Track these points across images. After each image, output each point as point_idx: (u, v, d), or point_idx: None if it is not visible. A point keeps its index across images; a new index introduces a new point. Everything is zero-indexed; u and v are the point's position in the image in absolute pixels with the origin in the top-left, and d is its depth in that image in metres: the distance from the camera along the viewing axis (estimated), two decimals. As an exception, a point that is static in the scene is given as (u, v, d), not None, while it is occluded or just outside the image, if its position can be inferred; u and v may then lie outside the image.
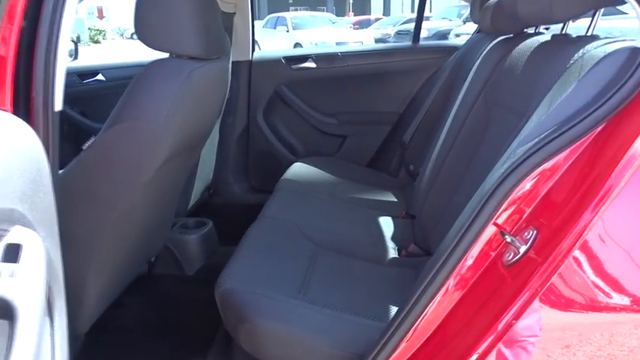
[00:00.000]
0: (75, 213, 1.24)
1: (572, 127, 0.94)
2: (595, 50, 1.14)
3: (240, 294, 1.29)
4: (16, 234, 0.67)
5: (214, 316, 1.36)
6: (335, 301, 1.36)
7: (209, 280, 1.39)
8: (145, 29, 1.23)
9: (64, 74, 0.99)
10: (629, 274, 0.94)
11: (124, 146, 1.21)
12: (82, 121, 2.41)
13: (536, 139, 0.97)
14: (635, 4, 1.00)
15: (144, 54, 1.30)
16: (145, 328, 1.79)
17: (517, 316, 0.95)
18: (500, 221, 0.99)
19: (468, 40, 2.52)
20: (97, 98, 2.41)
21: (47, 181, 0.80)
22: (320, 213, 1.93)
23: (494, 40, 1.88)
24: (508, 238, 0.95)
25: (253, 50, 2.65)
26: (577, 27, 1.41)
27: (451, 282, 1.04)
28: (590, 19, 1.30)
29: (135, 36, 1.30)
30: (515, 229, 0.98)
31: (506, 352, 0.98)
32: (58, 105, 0.99)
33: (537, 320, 0.95)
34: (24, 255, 0.65)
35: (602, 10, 1.28)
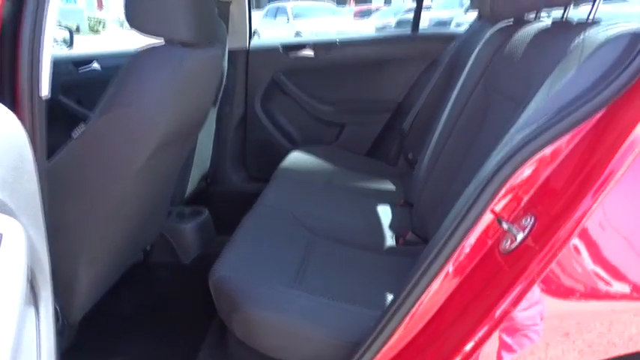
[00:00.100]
0: (66, 201, 1.23)
1: (572, 113, 0.92)
2: (596, 35, 1.12)
3: (233, 282, 1.28)
4: (-5, 222, 0.65)
5: (210, 304, 1.35)
6: (330, 289, 1.35)
7: (205, 268, 1.38)
8: (135, 13, 1.20)
9: (50, 61, 0.96)
10: (629, 262, 0.93)
11: (114, 134, 1.19)
12: (78, 110, 2.39)
13: (535, 126, 0.94)
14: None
15: (142, 43, 1.27)
16: (141, 317, 1.78)
17: (514, 305, 0.93)
18: (497, 209, 0.97)
19: (467, 28, 2.48)
20: (93, 86, 2.38)
21: (31, 168, 0.77)
22: (317, 201, 1.91)
23: (494, 27, 1.85)
24: (505, 226, 0.93)
25: (251, 38, 2.62)
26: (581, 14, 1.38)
27: (447, 270, 1.03)
28: (592, 3, 1.27)
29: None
30: (512, 216, 0.96)
31: (503, 339, 0.97)
32: (45, 91, 0.97)
33: (536, 308, 0.94)
34: (3, 243, 0.63)
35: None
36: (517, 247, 0.92)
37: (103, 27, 21.13)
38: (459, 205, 1.05)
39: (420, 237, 1.74)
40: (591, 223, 0.90)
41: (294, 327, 1.20)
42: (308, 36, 10.28)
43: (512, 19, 1.70)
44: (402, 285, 1.10)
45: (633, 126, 0.87)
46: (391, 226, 1.83)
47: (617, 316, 0.95)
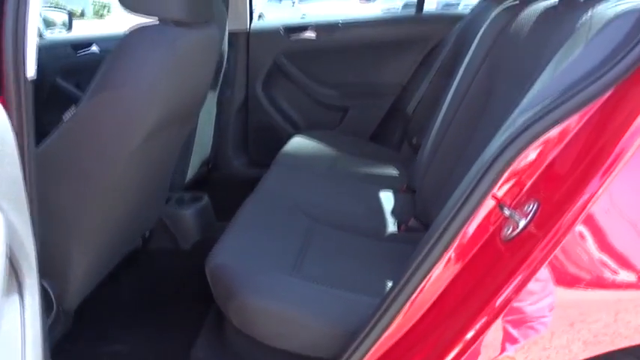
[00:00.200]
0: (57, 186, 1.20)
1: (578, 93, 0.87)
2: (604, 11, 1.07)
3: (230, 269, 1.25)
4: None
5: (209, 291, 1.32)
6: (329, 277, 1.32)
7: (205, 254, 1.35)
8: None
9: (35, 41, 0.93)
10: (636, 249, 0.89)
11: (105, 117, 1.16)
12: (77, 93, 2.36)
13: (539, 107, 0.90)
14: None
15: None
16: (139, 303, 1.77)
17: (516, 293, 0.90)
18: (499, 194, 0.93)
19: (473, 9, 2.42)
20: (92, 70, 2.35)
21: (12, 152, 0.75)
22: (318, 187, 1.88)
23: (499, 6, 1.79)
24: (507, 212, 0.90)
25: (251, 20, 2.57)
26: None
27: (447, 257, 1.00)
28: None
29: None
30: (514, 202, 0.92)
31: (507, 329, 0.94)
32: (30, 72, 0.93)
33: (543, 299, 0.91)
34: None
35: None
36: (519, 234, 0.88)
37: (108, 11, 21.00)
38: (460, 190, 1.01)
39: (423, 223, 1.71)
40: (597, 209, 0.86)
41: (291, 315, 1.17)
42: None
43: (518, -2, 1.65)
44: (401, 272, 1.06)
45: (643, 107, 0.82)
46: (393, 213, 1.79)
47: (624, 305, 0.91)
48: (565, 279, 0.90)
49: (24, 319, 0.77)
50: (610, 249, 0.89)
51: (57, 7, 3.25)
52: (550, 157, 0.91)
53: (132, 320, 1.70)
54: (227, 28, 2.21)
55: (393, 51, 2.58)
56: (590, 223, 0.88)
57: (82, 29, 2.78)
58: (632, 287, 0.90)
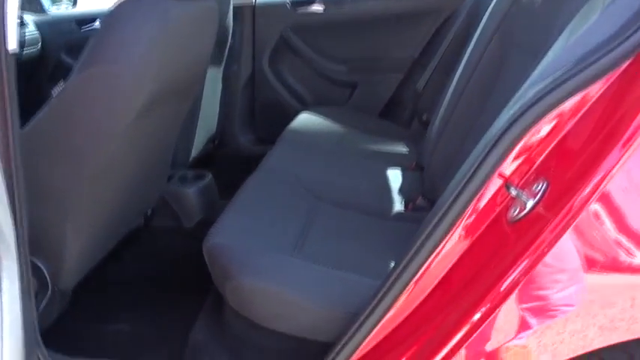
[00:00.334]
0: (48, 163, 1.17)
1: (594, 64, 0.80)
2: None
3: (227, 249, 1.21)
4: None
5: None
6: (331, 257, 1.28)
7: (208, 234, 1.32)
8: None
9: (16, 14, 0.88)
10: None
11: (95, 92, 1.12)
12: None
13: (550, 79, 0.83)
14: None
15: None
16: (141, 282, 1.75)
17: (523, 277, 0.84)
18: (506, 172, 0.87)
19: (488, -22, 2.32)
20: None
21: None
22: (323, 165, 1.83)
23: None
24: (513, 192, 0.84)
25: (257, -8, 2.50)
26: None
27: (451, 237, 0.94)
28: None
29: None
30: (522, 181, 0.87)
31: (516, 313, 0.89)
32: (12, 45, 0.89)
33: (554, 281, 0.85)
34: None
35: None
36: (526, 215, 0.83)
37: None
38: (465, 167, 0.95)
39: (431, 202, 1.65)
40: (613, 187, 0.81)
41: (289, 296, 1.14)
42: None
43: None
44: (404, 252, 1.02)
45: (665, 77, 0.76)
46: (401, 191, 1.74)
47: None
48: (578, 262, 0.85)
49: (1, 302, 0.73)
50: (627, 230, 0.85)
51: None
52: (562, 133, 0.85)
53: (134, 299, 1.68)
54: (231, 2, 2.15)
55: (403, 24, 2.49)
56: (606, 202, 0.82)
57: (87, 5, 2.73)
58: (650, 271, 0.84)
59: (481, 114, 1.45)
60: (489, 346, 0.94)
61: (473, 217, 0.92)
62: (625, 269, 0.87)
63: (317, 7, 2.51)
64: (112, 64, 1.11)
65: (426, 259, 0.96)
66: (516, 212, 0.85)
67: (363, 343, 1.04)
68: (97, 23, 2.56)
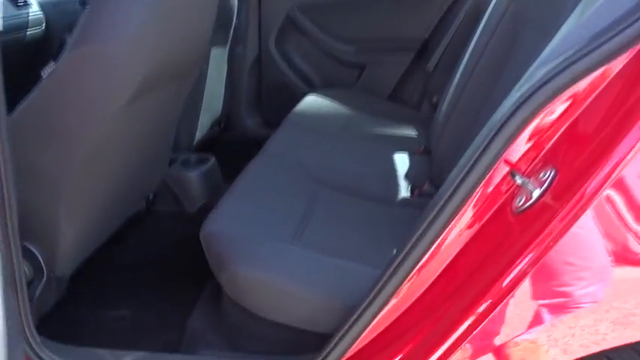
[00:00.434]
0: (40, 147, 1.14)
1: (609, 41, 0.74)
2: None
3: (223, 237, 1.18)
4: None
5: None
6: (332, 245, 1.24)
7: None
8: None
9: None
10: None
11: (86, 73, 1.08)
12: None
13: (561, 58, 0.77)
14: None
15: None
16: (143, 268, 1.73)
17: (530, 268, 0.79)
18: (512, 159, 0.82)
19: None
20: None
21: None
22: (328, 149, 1.77)
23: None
24: (519, 180, 0.78)
25: (262, -30, 2.43)
26: None
27: (453, 227, 0.89)
28: None
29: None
30: (529, 168, 0.81)
31: (524, 308, 0.84)
32: None
33: (564, 275, 0.81)
34: None
35: None
36: (532, 205, 0.77)
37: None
38: (470, 152, 0.90)
39: (438, 187, 1.59)
40: (628, 174, 0.75)
41: (286, 287, 1.10)
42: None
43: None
44: (404, 241, 0.97)
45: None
46: (407, 176, 1.68)
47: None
48: (589, 254, 0.79)
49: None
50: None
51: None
52: (573, 117, 0.79)
53: (134, 285, 1.66)
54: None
55: (413, 2, 2.41)
56: (619, 190, 0.76)
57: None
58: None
59: (491, 95, 1.39)
60: (497, 340, 0.90)
61: (476, 205, 0.87)
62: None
63: (325, -15, 2.44)
64: (103, 43, 1.06)
65: (428, 248, 0.91)
66: (521, 202, 0.79)
67: (362, 335, 1.00)
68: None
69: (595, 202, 0.73)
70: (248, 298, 1.13)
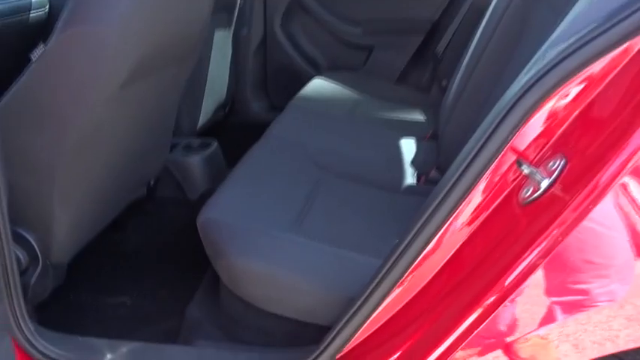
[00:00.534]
0: (32, 133, 1.10)
1: (627, 19, 0.68)
2: None
3: (220, 226, 1.14)
4: None
5: None
6: (334, 234, 1.19)
7: None
8: None
9: None
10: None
11: (75, 55, 1.04)
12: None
13: (573, 38, 0.72)
14: None
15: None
16: (144, 254, 1.71)
17: (541, 260, 0.75)
18: (519, 146, 0.77)
19: None
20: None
21: None
22: (333, 134, 1.73)
23: None
24: (526, 170, 0.73)
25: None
26: None
27: (456, 217, 0.85)
28: None
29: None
30: (537, 157, 0.76)
31: (534, 304, 0.80)
32: None
33: (576, 270, 0.76)
34: None
35: None
36: (539, 197, 0.72)
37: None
38: (475, 138, 0.85)
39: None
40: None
41: (283, 277, 1.06)
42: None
43: None
44: (406, 231, 0.92)
45: None
46: (413, 163, 1.63)
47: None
48: (603, 250, 0.74)
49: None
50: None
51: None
52: (585, 101, 0.73)
53: (136, 271, 1.64)
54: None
55: None
56: (636, 181, 0.71)
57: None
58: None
59: (500, 78, 1.33)
60: (503, 337, 0.86)
61: (481, 195, 0.82)
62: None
63: (331, -35, 2.37)
64: (92, 25, 1.02)
65: (431, 238, 0.87)
66: (529, 193, 0.74)
67: (362, 328, 0.97)
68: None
69: (609, 194, 0.68)
70: (245, 289, 1.10)
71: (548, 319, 0.78)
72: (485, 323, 0.84)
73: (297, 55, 2.48)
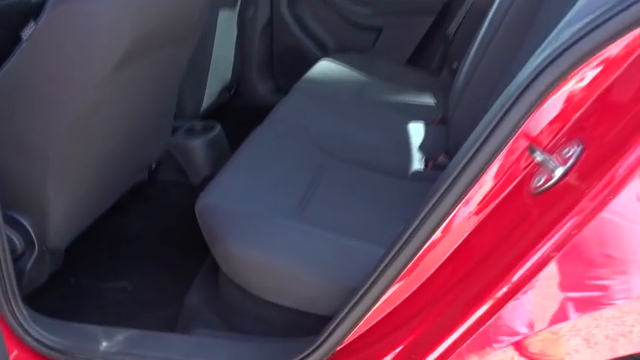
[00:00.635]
0: (23, 116, 1.07)
1: None
2: None
3: (218, 211, 1.11)
4: None
5: None
6: (336, 222, 1.16)
7: None
8: None
9: None
10: None
11: (64, 36, 1.00)
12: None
13: (589, 18, 0.66)
14: None
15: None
16: (145, 238, 1.68)
17: (556, 252, 0.70)
18: (531, 132, 0.72)
19: None
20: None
21: None
22: (338, 117, 1.68)
23: None
24: (539, 157, 0.69)
25: None
26: None
27: (464, 205, 0.81)
28: None
29: None
30: (551, 143, 0.71)
31: (547, 300, 0.76)
32: None
33: (590, 262, 0.71)
34: None
35: None
36: (553, 186, 0.68)
37: None
38: (486, 121, 0.80)
39: (454, 160, 1.50)
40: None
41: (282, 266, 1.03)
42: None
43: None
44: (411, 218, 0.88)
45: None
46: (421, 147, 1.59)
47: None
48: (623, 244, 0.70)
49: None
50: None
51: None
52: (604, 85, 0.68)
53: (137, 256, 1.62)
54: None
55: None
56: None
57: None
58: None
59: (513, 60, 1.28)
60: (512, 333, 0.82)
61: (490, 182, 0.78)
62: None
63: (340, -57, 2.31)
64: (83, 1, 0.98)
65: (437, 226, 0.83)
66: (541, 182, 0.70)
67: (363, 319, 0.93)
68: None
69: (629, 184, 0.63)
70: (242, 277, 1.07)
71: (559, 316, 0.74)
72: (493, 318, 0.80)
73: (304, 36, 2.42)
